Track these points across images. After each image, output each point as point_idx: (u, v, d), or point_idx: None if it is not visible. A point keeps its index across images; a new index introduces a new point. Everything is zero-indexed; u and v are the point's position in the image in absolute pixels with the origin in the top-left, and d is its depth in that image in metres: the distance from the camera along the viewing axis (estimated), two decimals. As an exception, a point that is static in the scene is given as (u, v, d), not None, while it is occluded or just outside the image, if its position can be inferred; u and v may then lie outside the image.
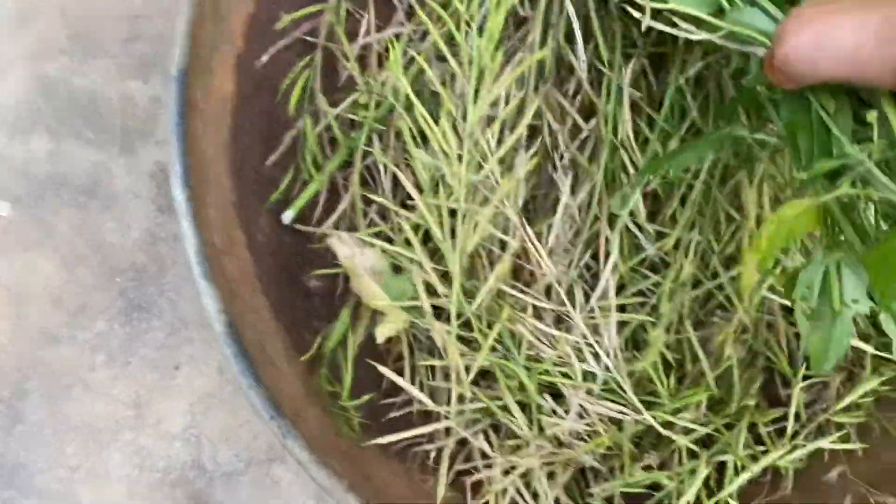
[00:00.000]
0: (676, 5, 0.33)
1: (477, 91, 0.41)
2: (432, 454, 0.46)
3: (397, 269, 0.46)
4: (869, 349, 0.45)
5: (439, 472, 0.45)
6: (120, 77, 0.55)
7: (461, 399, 0.43)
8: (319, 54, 0.50)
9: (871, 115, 0.30)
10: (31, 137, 0.55)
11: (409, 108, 0.43)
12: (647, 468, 0.43)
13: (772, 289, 0.46)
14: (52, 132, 0.55)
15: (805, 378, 0.46)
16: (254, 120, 0.49)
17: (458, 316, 0.42)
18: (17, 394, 0.53)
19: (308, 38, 0.51)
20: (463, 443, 0.46)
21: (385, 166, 0.47)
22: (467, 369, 0.42)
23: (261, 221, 0.49)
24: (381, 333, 0.44)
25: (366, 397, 0.46)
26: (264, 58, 0.49)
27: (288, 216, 0.50)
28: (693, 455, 0.45)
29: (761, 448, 0.46)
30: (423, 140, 0.43)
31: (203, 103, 0.43)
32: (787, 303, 0.46)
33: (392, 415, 0.48)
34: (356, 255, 0.46)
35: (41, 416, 0.54)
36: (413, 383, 0.46)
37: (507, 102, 0.43)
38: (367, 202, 0.49)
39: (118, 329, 0.55)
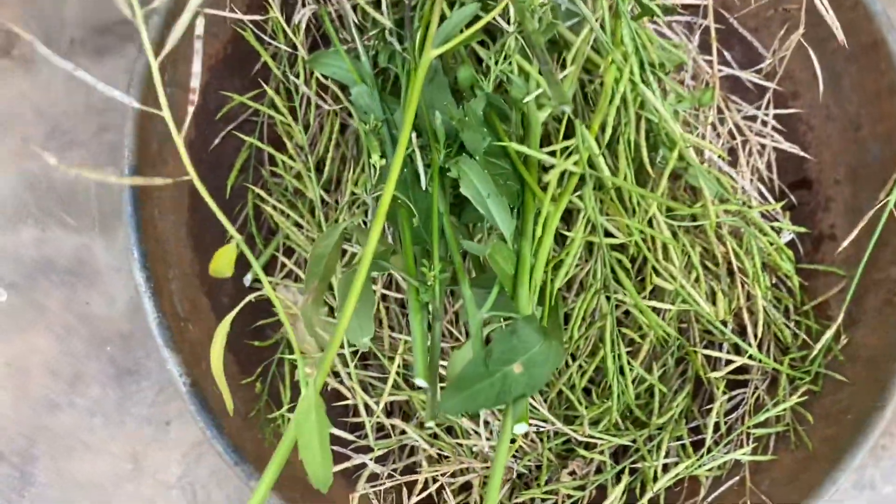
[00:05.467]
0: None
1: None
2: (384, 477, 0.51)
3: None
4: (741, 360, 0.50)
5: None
6: (94, 166, 0.62)
7: (382, 428, 0.48)
8: (255, 135, 0.56)
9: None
10: (20, 227, 0.61)
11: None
12: (572, 474, 0.48)
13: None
14: (37, 221, 0.61)
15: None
16: (211, 196, 0.55)
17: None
18: (25, 459, 0.59)
19: (253, 119, 0.57)
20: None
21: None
22: (377, 404, 0.47)
23: (225, 285, 0.55)
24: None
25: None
26: (216, 141, 0.56)
27: (247, 279, 0.56)
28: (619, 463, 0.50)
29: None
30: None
31: (158, 191, 0.49)
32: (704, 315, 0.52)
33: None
34: (297, 300, 0.52)
35: (50, 478, 0.60)
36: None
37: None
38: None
39: (111, 392, 0.61)
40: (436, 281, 0.38)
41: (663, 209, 0.51)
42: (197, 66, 0.29)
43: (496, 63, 0.45)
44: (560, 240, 0.49)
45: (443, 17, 0.47)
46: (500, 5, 0.42)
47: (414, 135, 0.44)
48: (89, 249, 0.62)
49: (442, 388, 0.38)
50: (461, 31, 0.45)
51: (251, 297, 0.40)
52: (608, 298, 0.47)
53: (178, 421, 0.61)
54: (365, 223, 0.48)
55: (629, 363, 0.49)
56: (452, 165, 0.41)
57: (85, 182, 0.61)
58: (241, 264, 0.56)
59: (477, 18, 0.46)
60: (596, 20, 0.46)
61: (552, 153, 0.45)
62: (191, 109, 0.30)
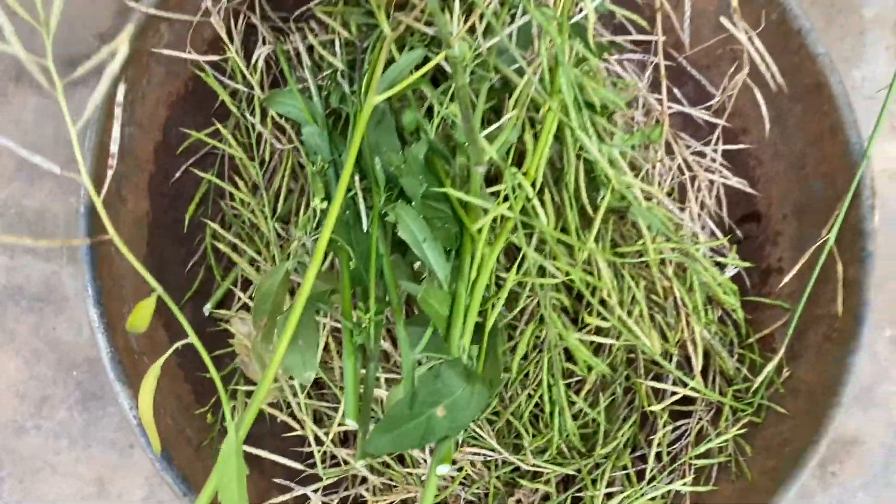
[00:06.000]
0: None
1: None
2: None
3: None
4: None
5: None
6: (63, 195, 0.63)
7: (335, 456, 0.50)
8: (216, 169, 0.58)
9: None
10: (-10, 255, 0.63)
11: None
12: (518, 502, 0.50)
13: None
14: (6, 249, 0.63)
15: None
16: (171, 228, 0.57)
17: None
18: (-8, 481, 0.61)
19: (214, 151, 0.58)
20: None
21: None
22: (326, 434, 0.49)
23: (184, 315, 0.57)
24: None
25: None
26: (176, 174, 0.57)
27: (207, 309, 0.57)
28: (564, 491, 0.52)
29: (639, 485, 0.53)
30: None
31: (116, 228, 0.51)
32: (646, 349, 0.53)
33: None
34: (251, 333, 0.53)
35: (17, 498, 0.62)
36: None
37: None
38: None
39: (77, 416, 0.62)
40: (370, 323, 0.40)
41: (606, 247, 0.52)
42: (116, 132, 0.31)
43: (441, 105, 0.47)
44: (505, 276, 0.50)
45: (393, 60, 0.49)
46: (438, 56, 0.43)
47: (357, 178, 0.46)
48: (57, 276, 0.63)
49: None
50: (410, 73, 0.47)
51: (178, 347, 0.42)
52: (546, 334, 0.48)
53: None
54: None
55: (569, 398, 0.51)
56: (390, 210, 0.42)
57: (53, 210, 0.63)
58: (204, 293, 0.58)
59: (426, 60, 0.48)
60: (539, 65, 0.48)
61: (495, 193, 0.46)
62: (110, 173, 0.32)
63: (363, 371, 0.40)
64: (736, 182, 0.60)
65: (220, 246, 0.54)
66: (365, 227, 0.44)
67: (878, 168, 0.69)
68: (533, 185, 0.45)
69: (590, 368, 0.54)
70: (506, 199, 0.45)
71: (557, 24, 0.47)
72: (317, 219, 0.47)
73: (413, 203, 0.43)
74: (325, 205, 0.45)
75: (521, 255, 0.48)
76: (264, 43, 0.56)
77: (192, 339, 0.40)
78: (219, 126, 0.55)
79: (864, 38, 0.70)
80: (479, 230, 0.43)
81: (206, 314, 0.57)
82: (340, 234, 0.44)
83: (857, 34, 0.70)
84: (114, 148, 0.33)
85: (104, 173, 0.50)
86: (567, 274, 0.47)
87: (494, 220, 0.45)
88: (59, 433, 0.62)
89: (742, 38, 0.49)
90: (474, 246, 0.44)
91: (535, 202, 0.44)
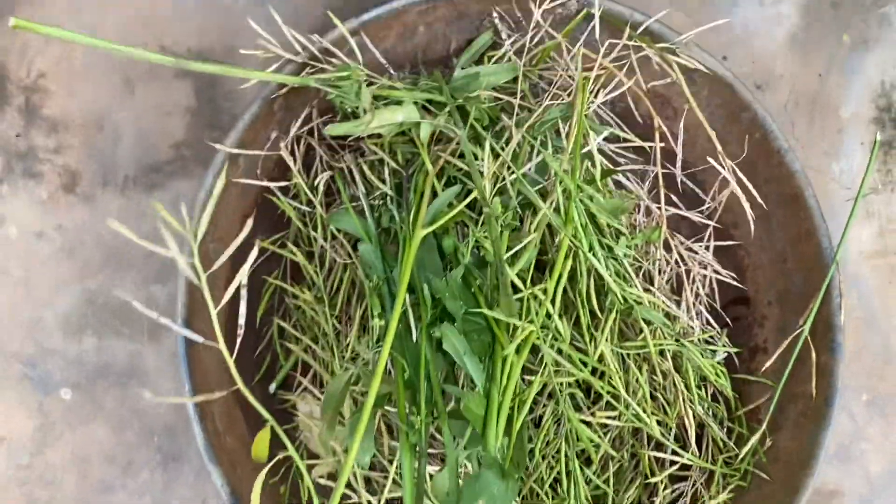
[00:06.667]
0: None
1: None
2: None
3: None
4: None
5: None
6: (145, 284, 0.74)
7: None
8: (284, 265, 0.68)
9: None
10: (82, 337, 0.73)
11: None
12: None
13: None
14: (96, 331, 0.73)
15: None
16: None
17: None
18: (86, 533, 0.71)
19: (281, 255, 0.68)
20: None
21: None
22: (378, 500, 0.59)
23: (255, 395, 0.67)
24: (317, 472, 0.61)
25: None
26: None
27: (272, 388, 0.67)
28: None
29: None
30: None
31: (203, 331, 0.61)
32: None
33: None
34: (314, 412, 0.63)
35: (106, 547, 0.72)
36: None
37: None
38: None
39: (158, 477, 0.72)
40: (422, 425, 0.50)
41: (614, 339, 0.62)
42: (242, 309, 0.41)
43: (474, 232, 0.57)
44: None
45: (434, 192, 0.59)
46: (471, 195, 0.53)
47: (407, 296, 0.56)
48: (140, 354, 0.73)
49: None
50: (449, 206, 0.57)
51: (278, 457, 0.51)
52: (561, 422, 0.58)
53: (213, 500, 0.73)
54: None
55: (582, 469, 0.60)
56: (435, 329, 0.52)
57: (137, 297, 0.73)
58: (268, 377, 0.68)
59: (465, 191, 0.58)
60: (554, 197, 0.57)
61: (520, 301, 0.56)
62: (239, 338, 0.42)
63: (416, 464, 0.50)
64: (726, 275, 0.70)
65: (288, 344, 0.64)
66: (415, 339, 0.54)
67: (854, 251, 0.79)
68: (553, 301, 0.55)
69: (597, 446, 0.63)
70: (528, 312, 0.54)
71: (570, 162, 0.57)
72: (376, 333, 0.57)
73: (455, 321, 0.53)
74: (381, 322, 0.55)
75: (541, 355, 0.58)
76: (323, 168, 0.65)
77: (272, 422, 0.49)
78: (287, 242, 0.65)
79: (842, 135, 0.79)
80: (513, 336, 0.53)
81: (272, 391, 0.67)
82: (395, 346, 0.53)
83: (835, 132, 0.79)
84: (241, 321, 0.43)
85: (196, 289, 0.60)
86: (584, 365, 0.57)
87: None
88: (143, 492, 0.72)
89: (727, 174, 0.58)
90: (504, 354, 0.53)
91: (556, 318, 0.54)
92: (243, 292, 0.42)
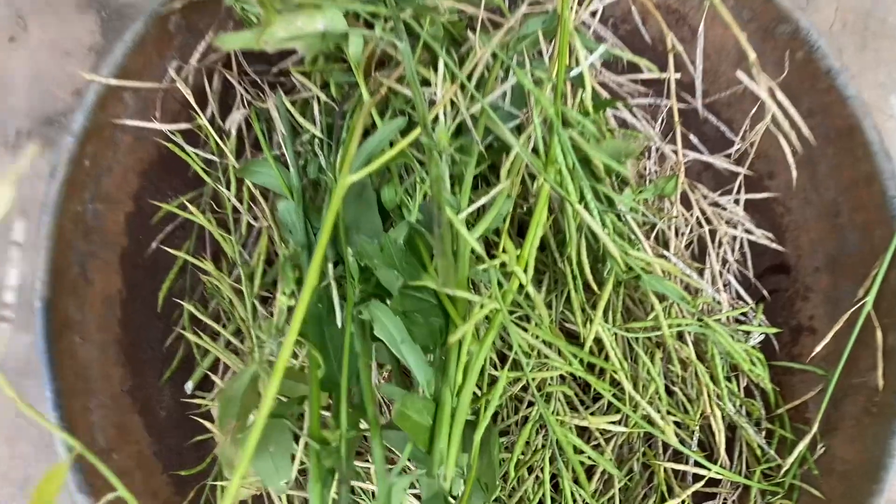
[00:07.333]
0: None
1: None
2: None
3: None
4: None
5: None
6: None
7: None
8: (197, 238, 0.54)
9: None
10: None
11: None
12: None
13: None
14: None
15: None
16: (148, 301, 0.53)
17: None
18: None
19: (191, 219, 0.54)
20: None
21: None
22: None
23: (162, 396, 0.53)
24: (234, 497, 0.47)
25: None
26: (152, 245, 0.53)
27: (189, 387, 0.54)
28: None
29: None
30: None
31: (79, 314, 0.47)
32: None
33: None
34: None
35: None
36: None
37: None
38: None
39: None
40: (342, 442, 0.36)
41: (616, 320, 0.48)
42: (13, 279, 0.27)
43: (423, 182, 0.42)
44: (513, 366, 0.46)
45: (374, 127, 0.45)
46: (412, 134, 0.39)
47: (332, 264, 0.41)
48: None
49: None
50: (390, 145, 0.42)
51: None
52: (547, 428, 0.44)
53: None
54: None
55: (577, 487, 0.46)
56: (363, 309, 0.38)
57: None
58: (186, 370, 0.54)
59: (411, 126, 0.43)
60: (532, 131, 0.43)
61: (485, 270, 0.42)
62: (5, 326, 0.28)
63: (335, 495, 0.36)
64: (761, 235, 0.55)
65: (190, 337, 0.51)
66: (339, 323, 0.40)
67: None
68: (526, 270, 0.40)
69: (607, 441, 0.49)
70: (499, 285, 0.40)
71: (553, 87, 0.42)
72: (284, 316, 0.42)
73: (392, 296, 0.39)
74: (292, 302, 0.41)
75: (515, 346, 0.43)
76: (241, 106, 0.51)
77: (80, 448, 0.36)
78: (185, 202, 0.51)
79: (902, 63, 0.64)
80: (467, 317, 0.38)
81: (189, 391, 0.54)
82: (311, 333, 0.39)
83: (892, 58, 0.64)
84: (9, 298, 0.29)
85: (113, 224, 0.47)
86: (574, 357, 0.42)
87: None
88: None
89: (763, 94, 0.43)
90: (461, 342, 0.39)
91: (531, 289, 0.39)
92: (16, 252, 0.28)
